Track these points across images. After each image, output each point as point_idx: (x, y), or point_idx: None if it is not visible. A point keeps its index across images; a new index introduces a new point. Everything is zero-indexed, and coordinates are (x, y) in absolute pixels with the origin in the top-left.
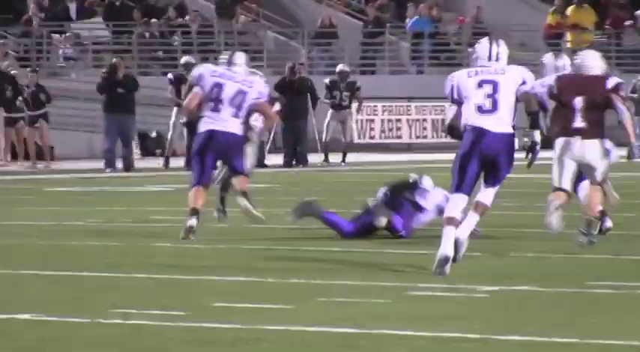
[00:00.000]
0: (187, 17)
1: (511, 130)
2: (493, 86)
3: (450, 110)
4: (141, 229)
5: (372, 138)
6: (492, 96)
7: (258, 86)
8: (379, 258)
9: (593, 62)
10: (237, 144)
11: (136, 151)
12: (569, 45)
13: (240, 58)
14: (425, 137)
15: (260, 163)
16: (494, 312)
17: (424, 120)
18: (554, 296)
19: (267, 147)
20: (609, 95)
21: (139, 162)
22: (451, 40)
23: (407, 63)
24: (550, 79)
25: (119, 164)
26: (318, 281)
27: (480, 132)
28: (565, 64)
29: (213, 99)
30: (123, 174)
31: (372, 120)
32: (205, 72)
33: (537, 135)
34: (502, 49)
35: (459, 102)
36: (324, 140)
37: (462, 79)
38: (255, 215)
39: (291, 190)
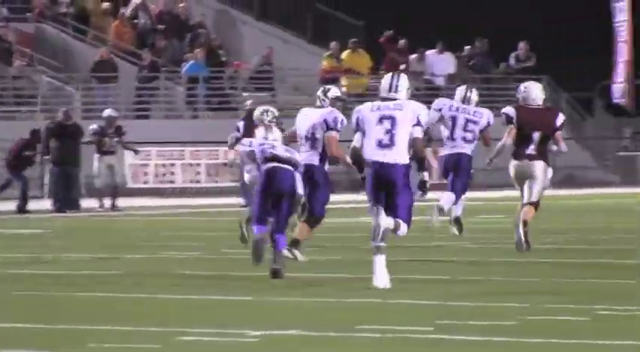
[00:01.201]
0: None
1: (406, 161)
2: (392, 122)
3: (356, 137)
4: None
5: (145, 183)
6: (391, 132)
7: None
8: (150, 303)
9: (537, 94)
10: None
11: None
12: (344, 89)
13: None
14: (198, 182)
15: (20, 209)
16: None
17: (198, 164)
18: (322, 340)
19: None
20: (556, 132)
21: None
22: (226, 84)
23: (182, 107)
24: (509, 110)
25: None
26: (87, 327)
27: (379, 166)
28: (473, 97)
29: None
30: None
31: (146, 165)
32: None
33: (426, 175)
34: (402, 82)
35: (363, 131)
36: (97, 186)
37: (365, 112)
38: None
39: (64, 235)
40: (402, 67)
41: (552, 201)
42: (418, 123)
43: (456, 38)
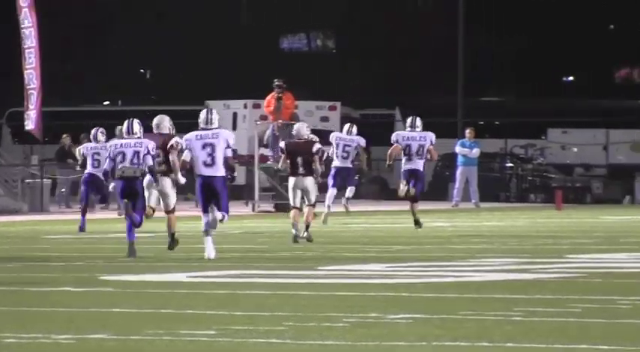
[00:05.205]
0: None
1: (223, 174)
2: (212, 148)
3: (185, 153)
4: None
5: None
6: (212, 155)
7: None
8: None
9: (304, 131)
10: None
11: None
12: None
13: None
14: None
15: None
16: None
17: None
18: None
19: None
20: (313, 156)
21: None
22: None
23: None
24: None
25: None
26: None
27: (206, 178)
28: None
29: None
30: None
31: None
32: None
33: (235, 175)
34: (214, 116)
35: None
36: None
37: (192, 140)
38: None
39: None
40: None
41: None
42: (228, 146)
43: None
